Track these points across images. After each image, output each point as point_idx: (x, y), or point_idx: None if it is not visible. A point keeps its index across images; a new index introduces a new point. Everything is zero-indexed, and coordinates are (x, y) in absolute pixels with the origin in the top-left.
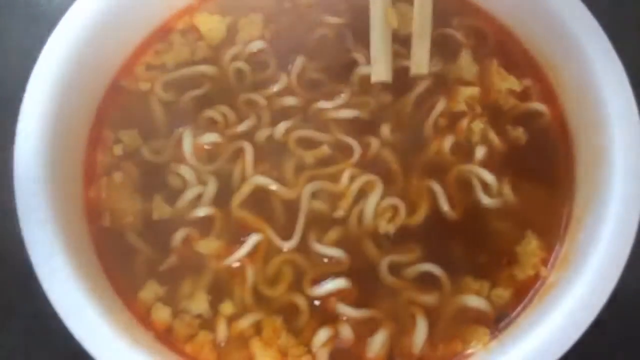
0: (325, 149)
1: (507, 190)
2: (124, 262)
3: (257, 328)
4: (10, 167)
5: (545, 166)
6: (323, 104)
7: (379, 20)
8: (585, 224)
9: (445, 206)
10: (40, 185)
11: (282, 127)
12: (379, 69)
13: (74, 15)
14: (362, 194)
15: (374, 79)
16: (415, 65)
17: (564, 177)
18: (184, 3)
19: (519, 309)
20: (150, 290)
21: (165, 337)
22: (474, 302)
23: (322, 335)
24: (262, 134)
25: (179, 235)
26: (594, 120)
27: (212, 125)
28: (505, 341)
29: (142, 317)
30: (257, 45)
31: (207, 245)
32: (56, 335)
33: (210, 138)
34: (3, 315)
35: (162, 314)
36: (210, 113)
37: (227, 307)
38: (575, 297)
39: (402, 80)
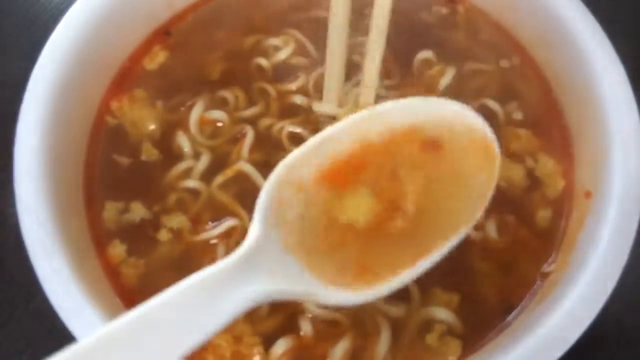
0: None
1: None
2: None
3: None
4: (10, 167)
5: None
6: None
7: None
8: (585, 224)
9: None
10: (40, 185)
11: (283, 122)
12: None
13: (74, 15)
14: None
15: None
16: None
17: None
18: (185, 3)
19: (518, 308)
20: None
21: None
22: (442, 314)
23: (280, 345)
24: (264, 123)
25: (171, 199)
26: (594, 120)
27: (223, 104)
28: (505, 341)
29: None
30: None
31: (174, 220)
32: (56, 335)
33: (217, 115)
34: (3, 315)
35: None
36: (224, 93)
37: None
38: (575, 297)
39: None
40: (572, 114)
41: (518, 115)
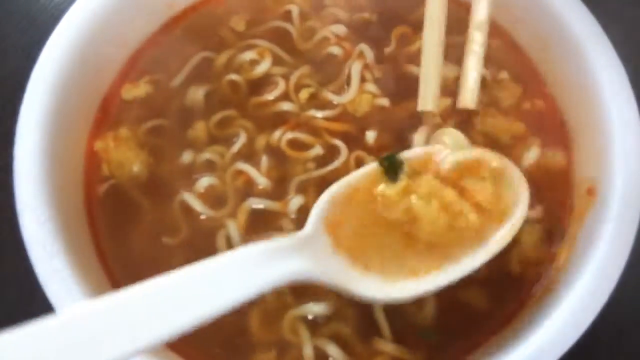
0: (319, 149)
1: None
2: (124, 261)
3: None
4: (10, 167)
5: None
6: (315, 113)
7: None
8: (585, 224)
9: None
10: (40, 185)
11: (277, 133)
12: (425, 97)
13: (74, 15)
14: None
15: (420, 107)
16: (422, 101)
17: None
18: (186, 3)
19: (518, 308)
20: None
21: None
22: None
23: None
24: (260, 141)
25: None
26: (594, 120)
27: (209, 166)
28: (505, 341)
29: None
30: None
31: None
32: None
33: (207, 182)
34: (3, 315)
35: None
36: (206, 155)
37: None
38: (575, 298)
39: (402, 86)
40: (572, 114)
41: (504, 75)
